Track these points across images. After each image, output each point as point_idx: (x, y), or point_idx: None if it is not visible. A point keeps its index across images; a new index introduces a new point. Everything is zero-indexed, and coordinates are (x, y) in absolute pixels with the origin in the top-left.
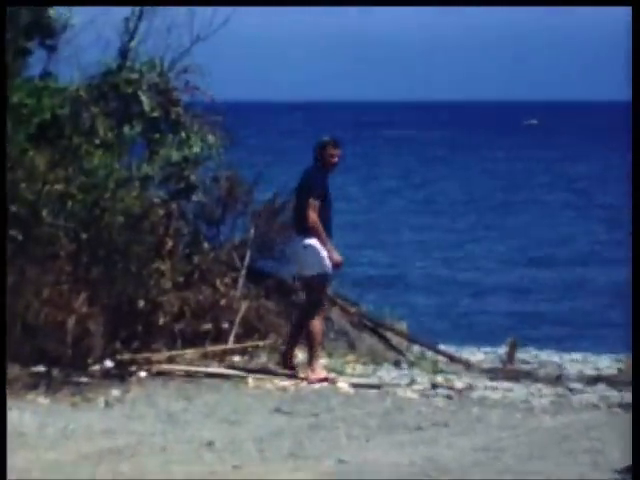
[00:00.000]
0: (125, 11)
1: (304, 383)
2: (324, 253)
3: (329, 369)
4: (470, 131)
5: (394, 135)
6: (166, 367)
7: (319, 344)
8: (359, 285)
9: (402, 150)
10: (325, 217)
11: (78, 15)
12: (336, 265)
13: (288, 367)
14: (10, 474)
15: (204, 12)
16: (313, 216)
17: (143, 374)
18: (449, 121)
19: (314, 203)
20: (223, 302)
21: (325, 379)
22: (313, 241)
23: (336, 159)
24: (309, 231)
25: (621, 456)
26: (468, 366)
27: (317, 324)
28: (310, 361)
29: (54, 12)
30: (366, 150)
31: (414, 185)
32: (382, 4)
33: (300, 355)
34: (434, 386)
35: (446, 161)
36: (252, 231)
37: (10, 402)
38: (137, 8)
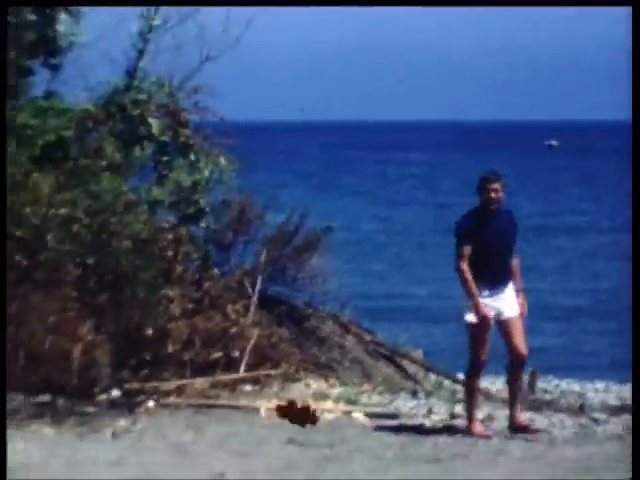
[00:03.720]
0: (133, 28)
1: (318, 413)
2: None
3: (346, 399)
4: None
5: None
6: (175, 398)
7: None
8: (377, 314)
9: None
10: (483, 262)
11: (84, 33)
12: (482, 318)
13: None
14: None
15: (214, 30)
16: (459, 264)
17: (151, 404)
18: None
19: (460, 250)
20: (234, 330)
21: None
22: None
23: (493, 195)
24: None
25: None
26: (488, 396)
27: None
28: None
29: (61, 29)
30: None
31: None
32: (383, 4)
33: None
34: (453, 416)
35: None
36: (263, 256)
37: (14, 433)
38: (147, 25)
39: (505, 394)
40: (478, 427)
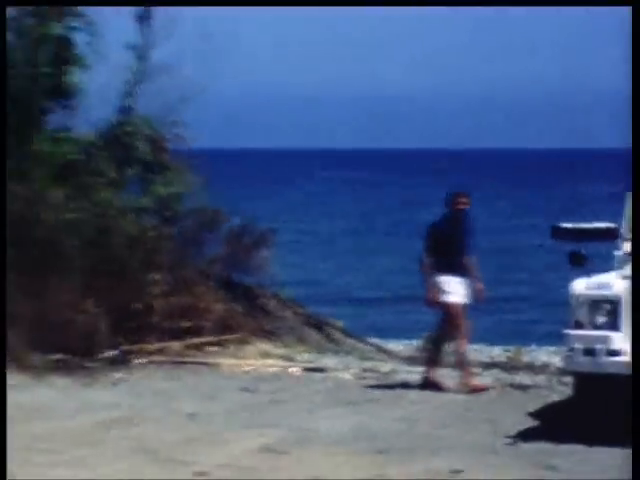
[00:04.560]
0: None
1: (264, 368)
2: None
3: (285, 357)
4: None
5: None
6: (158, 356)
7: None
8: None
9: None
10: (447, 257)
11: (89, 82)
12: (431, 301)
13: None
14: (32, 443)
15: (193, 74)
16: (423, 258)
17: (140, 361)
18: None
19: (426, 246)
20: (202, 305)
21: (483, 389)
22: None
23: (461, 206)
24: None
25: (512, 424)
26: (392, 355)
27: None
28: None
29: (71, 78)
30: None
31: None
32: (381, 4)
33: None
34: (365, 370)
35: None
36: (224, 249)
37: (34, 383)
38: (135, 73)
39: (406, 354)
40: (437, 378)
